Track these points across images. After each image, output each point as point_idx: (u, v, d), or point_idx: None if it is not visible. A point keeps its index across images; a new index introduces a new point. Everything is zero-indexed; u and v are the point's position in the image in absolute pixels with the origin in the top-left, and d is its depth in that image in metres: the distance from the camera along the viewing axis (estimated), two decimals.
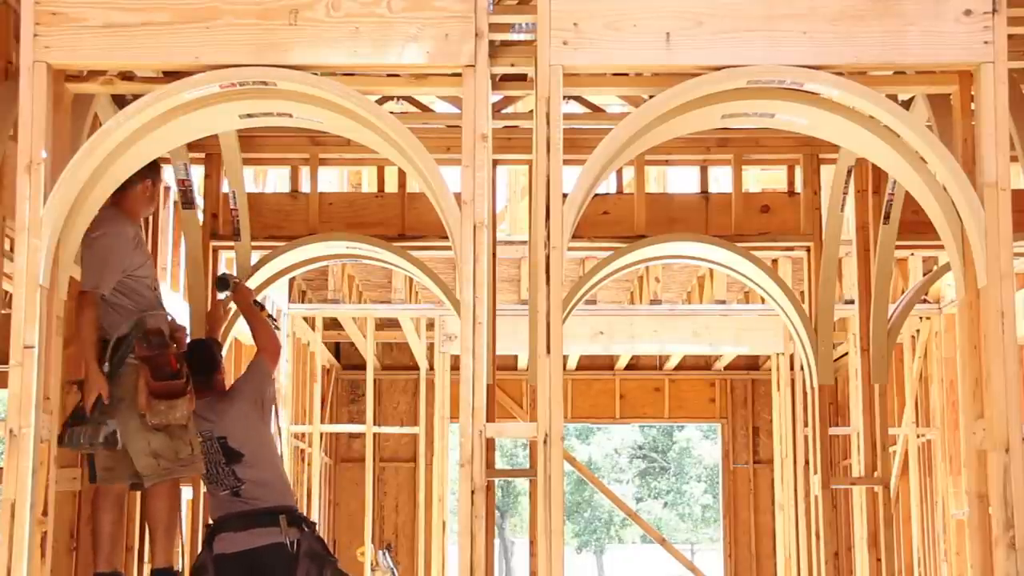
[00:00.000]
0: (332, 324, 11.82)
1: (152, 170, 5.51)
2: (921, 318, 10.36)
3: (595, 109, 7.87)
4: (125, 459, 5.27)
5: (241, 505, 5.56)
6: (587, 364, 14.13)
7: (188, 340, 5.90)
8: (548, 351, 4.35)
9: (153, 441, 5.17)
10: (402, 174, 7.23)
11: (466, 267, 4.38)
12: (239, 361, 8.68)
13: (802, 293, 7.37)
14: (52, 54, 4.45)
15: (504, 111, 7.89)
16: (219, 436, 5.62)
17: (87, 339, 5.18)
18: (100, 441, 5.04)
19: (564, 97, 4.58)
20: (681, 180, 13.03)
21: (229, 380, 6.10)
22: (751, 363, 14.21)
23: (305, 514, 5.71)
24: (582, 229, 6.05)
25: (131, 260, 5.31)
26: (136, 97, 4.61)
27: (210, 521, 5.74)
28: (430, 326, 11.27)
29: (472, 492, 4.24)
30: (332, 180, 10.21)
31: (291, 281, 9.97)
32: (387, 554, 11.77)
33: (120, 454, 5.25)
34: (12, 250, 4.47)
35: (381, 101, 7.38)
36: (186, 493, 6.49)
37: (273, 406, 5.89)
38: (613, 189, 7.53)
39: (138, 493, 6.02)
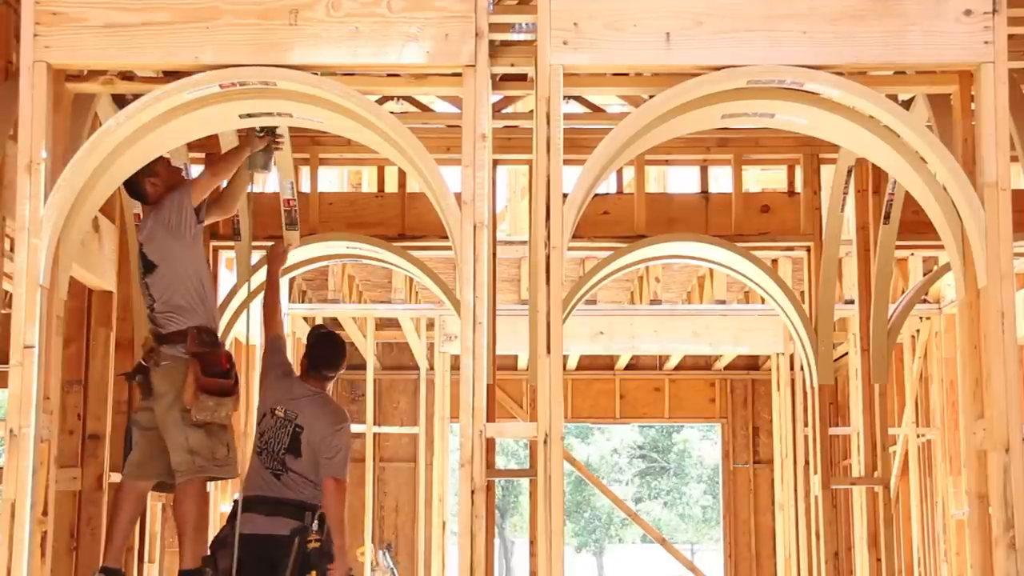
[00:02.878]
0: (332, 324, 11.82)
1: (146, 166, 5.50)
2: (921, 318, 10.36)
3: (595, 109, 7.88)
4: (157, 457, 5.28)
5: (277, 490, 5.57)
6: (587, 364, 14.13)
7: (323, 329, 6.18)
8: (548, 351, 4.35)
9: (191, 437, 5.17)
10: (402, 174, 7.23)
11: (466, 267, 4.38)
12: (238, 362, 8.66)
13: (802, 293, 7.37)
14: (52, 54, 4.45)
15: (504, 111, 7.89)
16: (298, 425, 5.67)
17: (228, 159, 5.53)
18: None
19: (564, 97, 4.58)
20: (681, 180, 13.03)
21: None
22: (751, 363, 14.21)
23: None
24: (582, 229, 6.06)
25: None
26: (136, 97, 4.61)
27: (237, 496, 5.72)
28: (430, 326, 11.28)
29: (472, 492, 4.24)
30: (332, 180, 10.21)
31: (291, 281, 9.97)
32: (387, 554, 11.77)
33: (153, 451, 5.26)
34: (12, 250, 4.47)
35: (381, 101, 7.38)
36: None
37: None
38: (613, 189, 7.53)
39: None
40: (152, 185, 5.41)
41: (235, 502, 5.63)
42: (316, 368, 5.88)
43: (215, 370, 5.25)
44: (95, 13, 4.47)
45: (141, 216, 5.65)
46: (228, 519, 5.60)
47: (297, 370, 6.02)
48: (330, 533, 5.57)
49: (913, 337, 10.77)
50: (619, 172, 7.52)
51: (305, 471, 5.61)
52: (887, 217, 6.43)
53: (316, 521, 5.53)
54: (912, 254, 8.91)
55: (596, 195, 6.40)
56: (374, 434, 11.15)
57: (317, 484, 5.64)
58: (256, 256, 6.69)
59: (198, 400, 5.16)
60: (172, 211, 5.32)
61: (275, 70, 4.50)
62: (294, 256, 6.77)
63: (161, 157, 5.51)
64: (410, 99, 8.18)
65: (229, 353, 5.51)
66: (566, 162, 4.52)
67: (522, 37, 4.71)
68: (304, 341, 10.07)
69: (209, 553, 5.47)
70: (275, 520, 5.49)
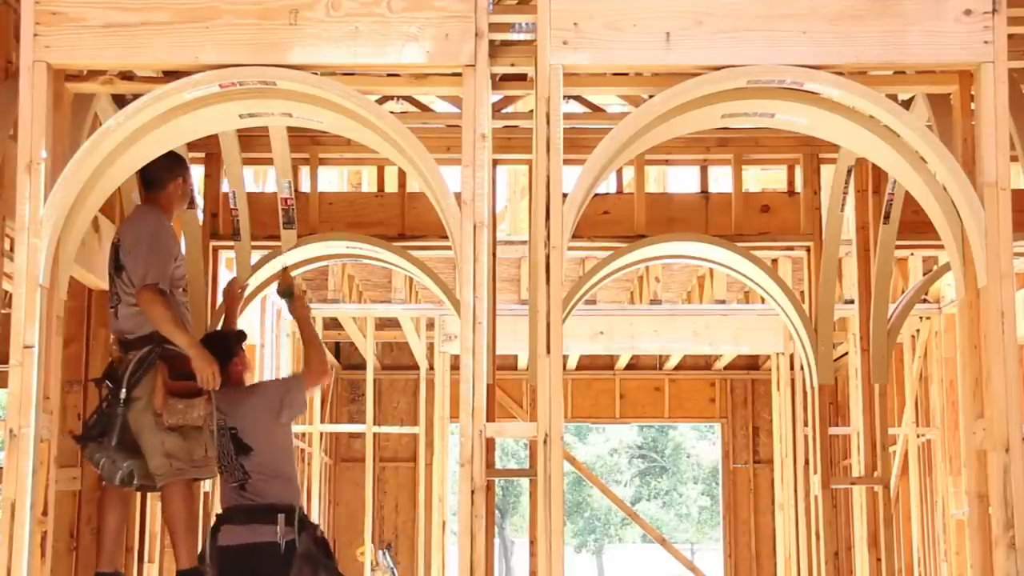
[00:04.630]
0: (332, 324, 11.82)
1: (181, 166, 5.56)
2: (921, 318, 10.36)
3: (595, 109, 7.87)
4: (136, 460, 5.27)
5: (246, 499, 5.53)
6: (587, 364, 14.13)
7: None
8: (548, 351, 4.34)
9: (167, 441, 5.17)
10: (402, 174, 7.23)
11: (466, 267, 4.38)
12: None
13: (802, 293, 7.37)
14: (52, 54, 4.45)
15: (504, 111, 7.88)
16: (230, 427, 5.57)
17: (174, 330, 5.20)
18: (116, 482, 5.13)
19: (564, 97, 4.58)
20: (681, 180, 13.04)
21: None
22: (751, 363, 14.21)
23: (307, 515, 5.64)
24: (582, 229, 6.06)
25: (176, 256, 5.39)
26: (136, 97, 4.61)
27: (219, 511, 5.73)
28: (430, 326, 11.28)
29: (472, 492, 4.23)
30: (332, 180, 10.21)
31: None
32: (387, 554, 11.78)
33: (131, 455, 5.26)
34: (12, 250, 4.47)
35: (381, 101, 7.38)
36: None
37: (296, 413, 5.81)
38: (613, 189, 7.53)
39: (144, 494, 6.05)
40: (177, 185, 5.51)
41: (216, 516, 5.65)
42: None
43: (183, 372, 5.24)
44: (95, 13, 4.47)
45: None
46: (209, 535, 5.59)
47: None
48: (310, 532, 5.55)
49: (913, 337, 10.78)
50: (619, 172, 7.52)
51: (264, 463, 5.54)
52: (887, 217, 6.43)
53: (303, 524, 5.48)
54: (912, 254, 8.91)
55: (596, 195, 6.40)
56: (374, 434, 11.15)
57: (285, 476, 5.59)
58: (256, 256, 6.70)
59: (167, 404, 5.17)
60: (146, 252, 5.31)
61: (275, 70, 4.50)
62: (294, 256, 6.77)
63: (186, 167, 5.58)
64: (410, 99, 8.18)
65: None
66: (566, 162, 4.52)
67: (522, 37, 4.71)
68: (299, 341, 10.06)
69: (198, 567, 5.47)
70: (252, 528, 5.45)
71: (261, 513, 5.48)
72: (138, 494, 5.91)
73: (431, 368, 11.70)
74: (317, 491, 11.18)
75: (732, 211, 7.00)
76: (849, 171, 6.58)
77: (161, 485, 5.23)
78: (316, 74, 4.54)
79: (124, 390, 5.15)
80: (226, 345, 5.72)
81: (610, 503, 17.90)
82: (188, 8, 4.49)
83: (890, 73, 4.95)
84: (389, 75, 4.94)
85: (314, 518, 9.35)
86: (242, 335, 5.89)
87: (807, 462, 9.48)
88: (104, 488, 5.37)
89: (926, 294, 9.51)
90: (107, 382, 5.25)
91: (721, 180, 9.48)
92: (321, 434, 11.29)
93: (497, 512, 19.14)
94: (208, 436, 5.37)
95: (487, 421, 4.39)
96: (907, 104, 5.54)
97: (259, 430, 5.58)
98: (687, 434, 32.43)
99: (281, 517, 5.46)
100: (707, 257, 7.08)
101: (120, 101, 5.09)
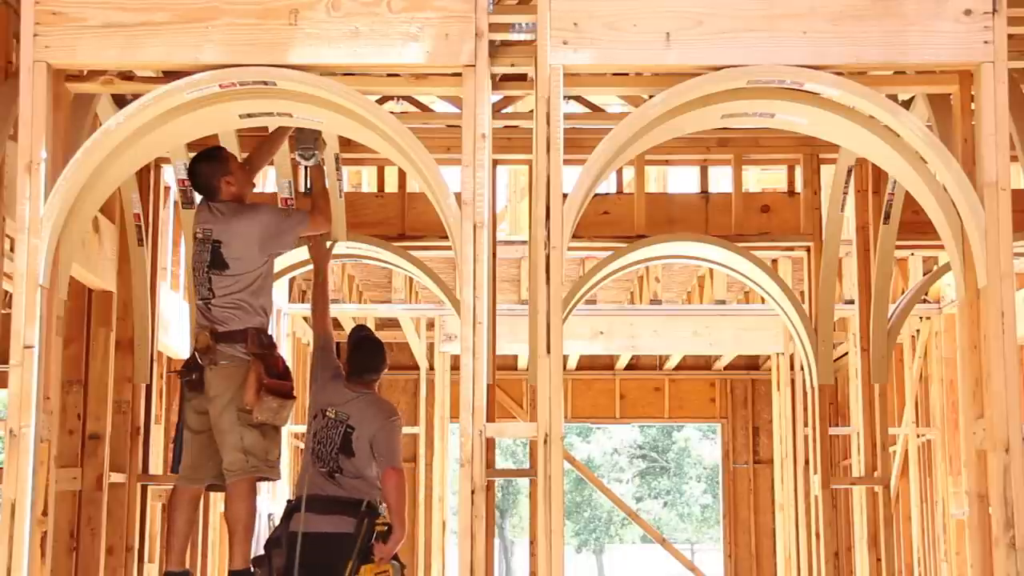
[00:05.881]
0: (332, 324, 11.79)
1: (222, 163, 5.51)
2: (921, 318, 10.36)
3: (595, 109, 7.87)
4: (211, 460, 5.26)
5: (332, 489, 5.58)
6: (587, 364, 14.12)
7: (363, 332, 6.20)
8: (548, 351, 4.34)
9: (246, 437, 5.15)
10: (402, 174, 7.23)
11: (466, 267, 4.38)
12: None
13: (802, 293, 7.37)
14: (52, 54, 4.45)
15: (504, 111, 7.88)
16: (349, 426, 5.66)
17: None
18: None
19: (564, 97, 4.58)
20: (681, 180, 13.04)
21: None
22: (751, 363, 14.20)
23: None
24: (582, 229, 6.05)
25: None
26: (136, 97, 4.61)
27: (291, 497, 5.72)
28: (430, 326, 11.28)
29: (472, 492, 4.23)
30: None
31: (291, 281, 9.97)
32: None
33: (206, 454, 5.25)
34: (12, 250, 4.47)
35: (381, 101, 7.38)
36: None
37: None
38: (613, 189, 7.53)
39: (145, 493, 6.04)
40: (228, 184, 5.45)
41: (288, 502, 5.64)
42: (358, 373, 5.90)
43: (275, 372, 5.25)
44: (95, 13, 4.47)
45: (208, 207, 5.51)
46: (282, 519, 5.60)
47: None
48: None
49: (913, 337, 10.78)
50: (619, 172, 7.52)
51: (359, 469, 5.62)
52: (887, 217, 6.43)
53: (381, 522, 5.53)
54: (912, 254, 8.91)
55: (596, 195, 6.40)
56: None
57: (371, 481, 5.64)
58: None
59: (261, 401, 5.14)
60: (281, 229, 5.45)
61: (275, 70, 4.50)
62: (294, 256, 6.76)
63: (230, 154, 5.54)
64: (410, 99, 8.18)
65: (283, 356, 5.50)
66: (566, 162, 4.52)
67: (522, 37, 4.70)
68: (304, 341, 10.08)
69: (263, 553, 5.47)
70: (333, 518, 5.49)
71: (347, 506, 5.52)
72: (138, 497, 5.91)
73: (431, 368, 11.70)
74: None
75: (732, 211, 7.00)
76: (849, 171, 6.58)
77: (231, 482, 5.19)
78: (316, 74, 4.54)
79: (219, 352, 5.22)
80: (385, 356, 6.13)
81: (611, 503, 17.88)
82: (188, 8, 4.49)
83: (890, 73, 4.95)
84: (389, 75, 4.94)
85: None
86: None
87: (807, 462, 9.48)
88: (174, 490, 5.35)
89: (926, 294, 9.51)
90: (193, 374, 5.28)
91: (721, 180, 9.48)
92: None
93: (497, 512, 19.13)
94: (280, 439, 5.37)
95: (487, 421, 4.39)
96: (907, 104, 5.54)
97: (370, 439, 5.64)
98: (689, 433, 32.43)
99: (365, 510, 5.52)
100: (707, 257, 7.08)
101: (120, 101, 5.09)
